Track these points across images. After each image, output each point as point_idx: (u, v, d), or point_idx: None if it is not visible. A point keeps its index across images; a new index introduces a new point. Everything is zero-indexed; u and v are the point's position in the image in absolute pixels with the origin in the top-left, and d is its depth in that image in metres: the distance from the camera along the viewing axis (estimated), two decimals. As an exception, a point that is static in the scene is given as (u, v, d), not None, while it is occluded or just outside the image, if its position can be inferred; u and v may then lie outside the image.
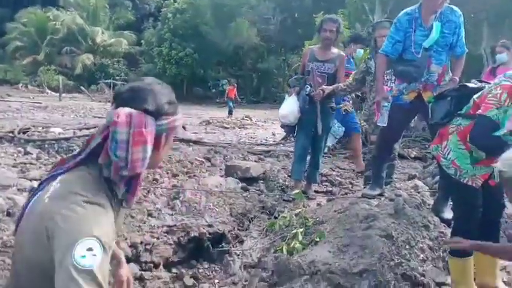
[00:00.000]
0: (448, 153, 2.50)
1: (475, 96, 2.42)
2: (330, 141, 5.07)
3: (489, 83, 2.49)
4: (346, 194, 4.61)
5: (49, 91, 24.85)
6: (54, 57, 28.65)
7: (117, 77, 28.49)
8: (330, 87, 4.31)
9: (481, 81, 2.63)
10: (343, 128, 5.27)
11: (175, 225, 3.53)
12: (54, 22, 28.74)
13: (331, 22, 4.25)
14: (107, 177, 1.24)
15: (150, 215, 3.77)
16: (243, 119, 13.44)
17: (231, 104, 16.95)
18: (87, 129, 7.63)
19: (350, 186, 5.10)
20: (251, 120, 13.46)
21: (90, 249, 1.07)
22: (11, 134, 6.46)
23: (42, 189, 1.26)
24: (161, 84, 1.34)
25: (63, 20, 28.54)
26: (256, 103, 25.18)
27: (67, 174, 1.25)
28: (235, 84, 19.12)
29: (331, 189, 4.94)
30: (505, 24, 11.73)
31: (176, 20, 26.22)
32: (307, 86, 4.15)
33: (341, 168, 5.94)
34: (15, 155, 5.36)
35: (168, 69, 26.25)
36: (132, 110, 1.21)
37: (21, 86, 26.04)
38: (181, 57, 25.85)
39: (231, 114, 15.68)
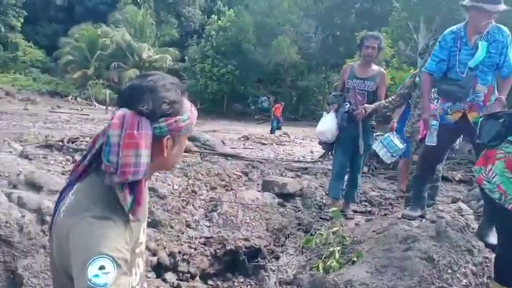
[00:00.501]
0: (493, 177, 2.41)
1: None
2: (388, 159, 4.88)
3: None
4: (385, 214, 4.50)
5: (96, 104, 26.07)
6: (103, 71, 30.06)
7: (161, 92, 29.53)
8: (372, 105, 4.26)
9: None
10: (405, 146, 4.75)
11: (212, 237, 3.59)
12: (104, 38, 30.21)
13: (373, 39, 4.21)
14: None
15: (188, 225, 3.85)
16: (280, 136, 13.50)
17: (275, 123, 16.47)
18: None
19: (390, 207, 4.98)
20: (289, 137, 13.50)
21: (102, 267, 1.04)
22: (60, 143, 6.82)
23: (63, 198, 1.23)
24: (166, 79, 1.22)
25: (112, 36, 29.93)
26: (295, 120, 25.19)
27: (80, 183, 1.21)
28: (282, 103, 18.66)
29: (370, 209, 4.85)
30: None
31: (219, 38, 26.93)
32: (346, 103, 4.12)
33: (381, 189, 5.81)
34: (64, 163, 5.65)
35: (210, 85, 26.89)
36: (127, 111, 1.14)
37: (71, 99, 27.47)
38: (223, 74, 26.44)
39: (273, 133, 15.31)
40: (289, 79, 28.45)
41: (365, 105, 4.15)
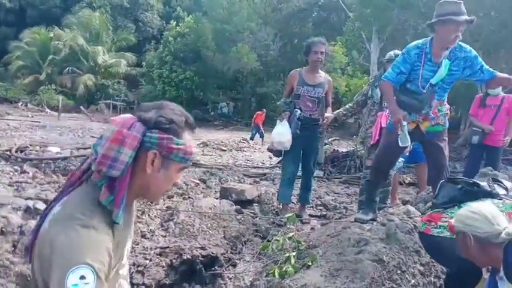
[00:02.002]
0: (439, 227, 2.53)
1: None
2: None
3: (505, 190, 2.50)
4: (340, 218, 4.62)
5: (48, 110, 24.99)
6: (55, 77, 28.90)
7: (117, 98, 28.78)
8: (332, 114, 4.41)
9: (496, 181, 2.61)
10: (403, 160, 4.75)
11: (168, 247, 3.53)
12: (56, 42, 29.08)
13: (321, 44, 4.23)
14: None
15: (143, 236, 3.78)
16: (240, 141, 13.50)
17: (254, 131, 15.77)
18: (84, 149, 7.66)
19: (344, 210, 5.11)
20: (248, 142, 13.53)
21: (82, 277, 1.04)
22: (8, 153, 6.49)
23: (51, 209, 1.23)
24: (178, 108, 1.29)
25: (65, 40, 28.91)
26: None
27: (68, 196, 1.21)
28: (264, 110, 17.38)
29: (325, 213, 4.96)
30: (501, 54, 11.97)
31: (177, 44, 26.68)
32: (296, 110, 4.18)
33: (335, 193, 5.96)
34: (12, 174, 5.38)
35: (168, 91, 26.54)
36: (130, 115, 1.21)
37: (21, 105, 26.18)
38: (181, 80, 26.19)
39: (252, 140, 14.94)
40: (248, 86, 28.61)
41: (327, 114, 4.28)
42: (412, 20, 10.54)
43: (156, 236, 3.81)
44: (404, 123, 3.30)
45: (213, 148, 11.19)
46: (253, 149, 12.08)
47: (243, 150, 11.64)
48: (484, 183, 2.52)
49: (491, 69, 3.10)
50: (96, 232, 1.11)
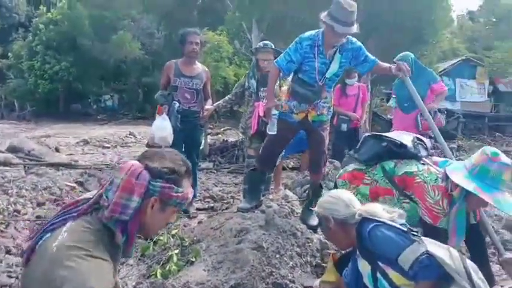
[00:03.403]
0: (357, 195, 2.58)
1: (405, 170, 2.52)
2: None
3: (425, 150, 2.64)
4: (226, 208, 4.67)
5: None
6: None
7: (-21, 94, 25.22)
8: (212, 106, 4.37)
9: (420, 140, 2.72)
10: None
11: (36, 261, 3.20)
12: None
13: (195, 34, 4.19)
14: (108, 227, 1.34)
15: (8, 252, 3.38)
16: (126, 136, 12.83)
17: None
18: None
19: (232, 200, 5.18)
20: (135, 137, 12.94)
21: None
22: None
23: (52, 230, 1.34)
24: (180, 156, 1.45)
25: None
26: (143, 119, 24.33)
27: (75, 222, 1.34)
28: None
29: (212, 205, 4.98)
30: (371, 43, 13.15)
31: (49, 32, 24.13)
32: (174, 102, 4.08)
33: (224, 183, 6.03)
34: None
35: (41, 84, 23.93)
36: (137, 163, 1.37)
37: None
38: (56, 72, 23.76)
39: None
40: (133, 76, 27.25)
41: (207, 107, 4.23)
42: (290, 11, 11.02)
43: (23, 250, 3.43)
44: (275, 112, 3.42)
45: (95, 146, 10.44)
46: (140, 144, 11.56)
47: (129, 146, 11.08)
48: (409, 145, 2.61)
49: (373, 58, 3.23)
50: (102, 261, 1.26)
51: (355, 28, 2.96)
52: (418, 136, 2.81)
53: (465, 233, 2.36)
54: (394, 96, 5.17)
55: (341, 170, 3.01)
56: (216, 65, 20.12)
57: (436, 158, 2.72)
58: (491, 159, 2.17)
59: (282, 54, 3.30)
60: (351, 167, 2.86)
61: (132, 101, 27.37)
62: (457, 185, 2.25)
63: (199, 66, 4.25)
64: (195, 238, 3.45)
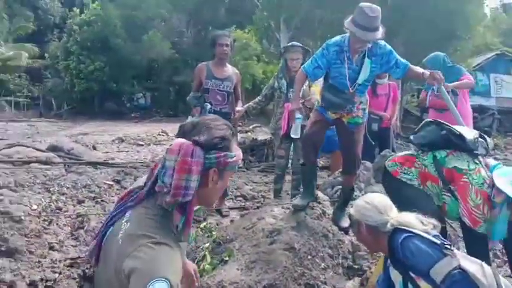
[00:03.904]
0: (408, 174, 2.68)
1: (456, 164, 2.50)
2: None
3: (485, 150, 2.59)
4: (258, 208, 4.73)
5: None
6: None
7: (19, 94, 26.30)
8: (242, 108, 4.44)
9: (482, 138, 2.65)
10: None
11: (79, 257, 3.37)
12: None
13: (226, 36, 4.26)
14: (165, 210, 1.31)
15: (51, 248, 3.57)
16: (159, 134, 13.10)
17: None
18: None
19: (262, 199, 5.25)
20: (167, 135, 13.20)
21: None
22: None
23: (114, 224, 1.35)
24: (220, 121, 1.42)
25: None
26: (175, 116, 24.77)
27: (134, 210, 1.32)
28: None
29: (244, 204, 5.06)
30: (397, 40, 12.94)
31: (83, 33, 24.91)
32: (206, 104, 4.17)
33: (254, 182, 6.09)
34: None
35: (77, 84, 24.79)
36: (185, 141, 1.30)
37: None
38: (91, 72, 24.55)
39: None
40: (165, 75, 27.74)
41: (238, 108, 4.31)
42: (319, 11, 10.96)
43: (65, 246, 3.62)
44: (299, 115, 3.43)
45: (130, 143, 10.73)
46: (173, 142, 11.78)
47: (162, 144, 11.32)
48: (469, 138, 2.56)
49: (405, 62, 3.17)
50: (168, 248, 1.24)
51: (379, 34, 2.91)
52: (482, 134, 2.72)
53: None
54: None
55: (390, 156, 3.04)
56: (245, 63, 20.23)
57: (489, 160, 2.64)
58: None
59: (309, 60, 3.30)
60: (403, 152, 2.92)
61: (164, 99, 27.87)
62: (501, 191, 2.23)
63: (229, 69, 4.34)
64: (228, 237, 3.53)
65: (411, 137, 2.87)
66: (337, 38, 3.17)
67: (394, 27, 11.50)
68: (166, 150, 1.30)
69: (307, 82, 4.49)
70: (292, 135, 3.58)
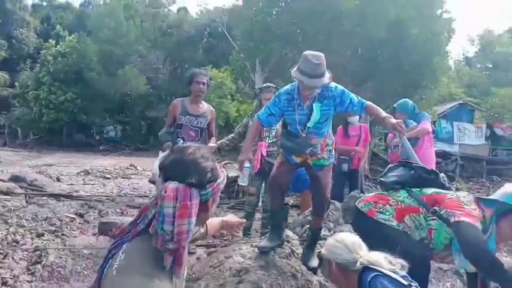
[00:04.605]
0: (384, 214, 2.59)
1: (434, 190, 2.57)
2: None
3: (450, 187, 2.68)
4: (226, 245, 4.63)
5: None
6: None
7: (-15, 122, 25.48)
8: (215, 145, 4.43)
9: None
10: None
11: (33, 294, 3.17)
12: None
13: (203, 75, 4.30)
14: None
15: (4, 283, 3.34)
16: (127, 168, 12.85)
17: None
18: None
19: (231, 237, 5.14)
20: (136, 169, 12.96)
21: None
22: None
23: (112, 257, 1.35)
24: (202, 150, 1.42)
25: None
26: (145, 151, 24.44)
27: (130, 244, 1.34)
28: None
29: (211, 241, 4.93)
30: (367, 87, 13.50)
31: (57, 64, 24.74)
32: (179, 139, 4.14)
33: (223, 220, 6.00)
34: None
35: (46, 114, 24.30)
36: (178, 185, 1.30)
37: None
38: (62, 102, 24.20)
39: None
40: (138, 109, 27.65)
41: (210, 144, 4.29)
42: (292, 53, 11.40)
43: (20, 281, 3.40)
44: (248, 165, 3.40)
45: (96, 176, 10.44)
46: (141, 176, 11.57)
47: (130, 178, 11.08)
48: (441, 175, 2.65)
49: (361, 100, 3.23)
50: (157, 280, 1.26)
51: (325, 79, 2.99)
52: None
53: None
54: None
55: (359, 198, 2.94)
56: (219, 101, 20.47)
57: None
58: None
59: (262, 109, 3.36)
60: (372, 193, 2.86)
61: (135, 133, 27.60)
62: (488, 207, 2.30)
63: (205, 105, 4.36)
64: (193, 275, 3.42)
65: (382, 179, 2.89)
66: (287, 86, 3.26)
67: (365, 75, 12.06)
68: (162, 198, 1.29)
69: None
70: (240, 183, 3.54)
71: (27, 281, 3.41)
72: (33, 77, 26.12)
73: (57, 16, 35.93)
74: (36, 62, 27.65)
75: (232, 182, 8.61)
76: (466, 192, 2.73)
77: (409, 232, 2.51)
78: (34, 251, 3.81)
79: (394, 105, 5.21)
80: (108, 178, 10.42)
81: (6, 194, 5.50)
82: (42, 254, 3.69)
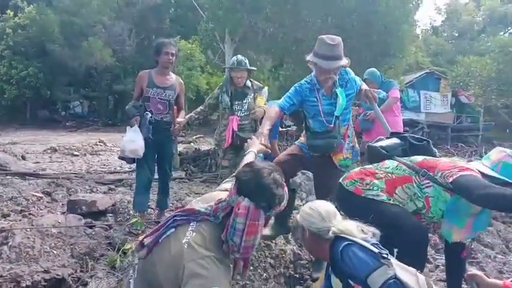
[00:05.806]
0: (372, 189, 2.48)
1: (423, 157, 2.52)
2: None
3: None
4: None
5: None
6: None
7: None
8: (184, 119, 4.30)
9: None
10: None
11: (1, 276, 3.07)
12: None
13: (172, 45, 4.10)
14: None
15: (-31, 266, 3.22)
16: (96, 144, 12.53)
17: None
18: None
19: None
20: (105, 145, 12.65)
21: None
22: None
23: (176, 227, 1.61)
24: (275, 174, 1.63)
25: None
26: (113, 126, 23.86)
27: (200, 224, 1.60)
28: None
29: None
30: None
31: (17, 36, 23.41)
32: (147, 113, 4.00)
33: (196, 193, 5.98)
34: None
35: (7, 90, 23.15)
36: (251, 204, 1.52)
37: None
38: (24, 77, 23.07)
39: None
40: (104, 83, 26.75)
41: (178, 119, 4.16)
42: (261, 24, 11.18)
43: (-15, 264, 3.28)
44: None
45: (63, 154, 10.12)
46: (111, 152, 11.32)
47: (99, 154, 10.82)
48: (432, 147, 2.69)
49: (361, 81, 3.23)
50: (227, 267, 1.56)
51: (342, 61, 2.91)
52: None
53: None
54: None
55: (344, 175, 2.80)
56: (189, 74, 20.05)
57: None
58: (510, 156, 2.29)
59: (283, 98, 3.20)
60: (357, 168, 2.76)
61: (102, 108, 26.86)
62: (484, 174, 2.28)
63: (173, 77, 4.20)
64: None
65: (369, 144, 2.88)
66: (305, 78, 3.15)
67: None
68: (235, 213, 1.53)
69: (252, 94, 4.52)
70: None
71: (-6, 263, 3.30)
72: (-9, 51, 24.69)
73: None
74: (-7, 35, 26.04)
75: (204, 155, 8.57)
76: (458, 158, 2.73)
77: (401, 205, 2.42)
78: (0, 232, 3.69)
79: (365, 76, 5.26)
80: (77, 155, 10.13)
81: (-33, 174, 5.26)
82: (9, 234, 3.57)
